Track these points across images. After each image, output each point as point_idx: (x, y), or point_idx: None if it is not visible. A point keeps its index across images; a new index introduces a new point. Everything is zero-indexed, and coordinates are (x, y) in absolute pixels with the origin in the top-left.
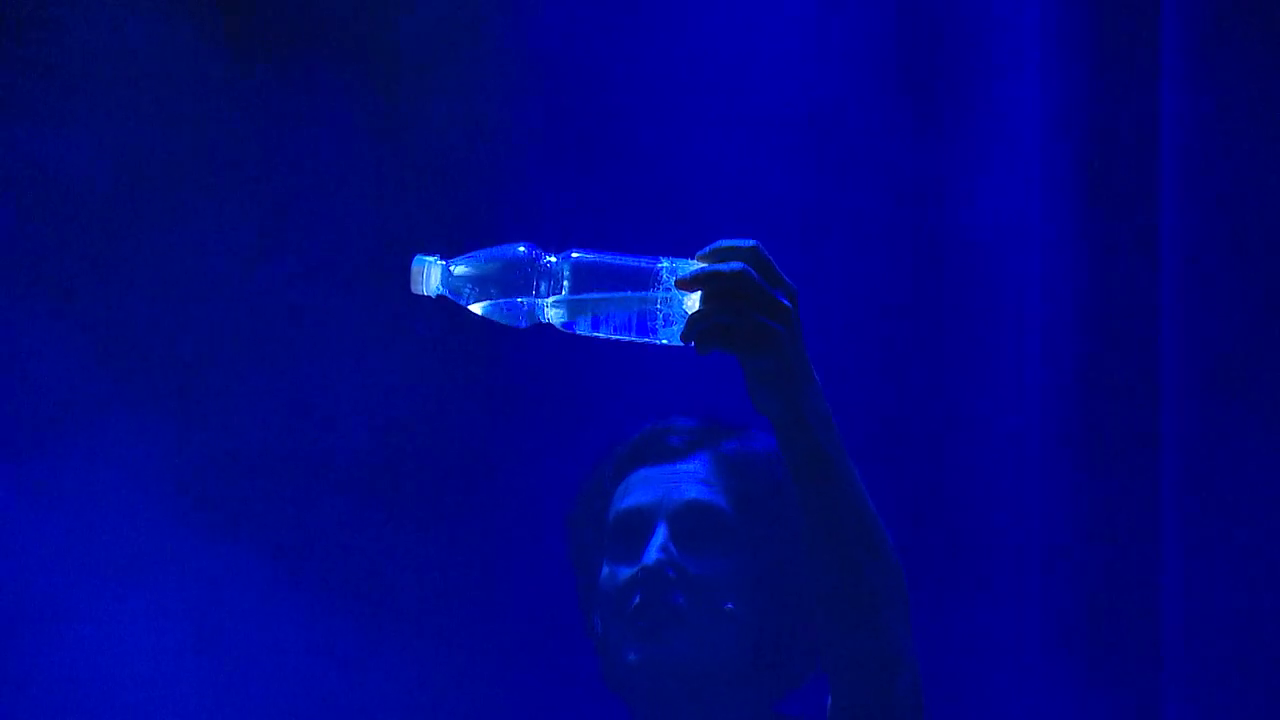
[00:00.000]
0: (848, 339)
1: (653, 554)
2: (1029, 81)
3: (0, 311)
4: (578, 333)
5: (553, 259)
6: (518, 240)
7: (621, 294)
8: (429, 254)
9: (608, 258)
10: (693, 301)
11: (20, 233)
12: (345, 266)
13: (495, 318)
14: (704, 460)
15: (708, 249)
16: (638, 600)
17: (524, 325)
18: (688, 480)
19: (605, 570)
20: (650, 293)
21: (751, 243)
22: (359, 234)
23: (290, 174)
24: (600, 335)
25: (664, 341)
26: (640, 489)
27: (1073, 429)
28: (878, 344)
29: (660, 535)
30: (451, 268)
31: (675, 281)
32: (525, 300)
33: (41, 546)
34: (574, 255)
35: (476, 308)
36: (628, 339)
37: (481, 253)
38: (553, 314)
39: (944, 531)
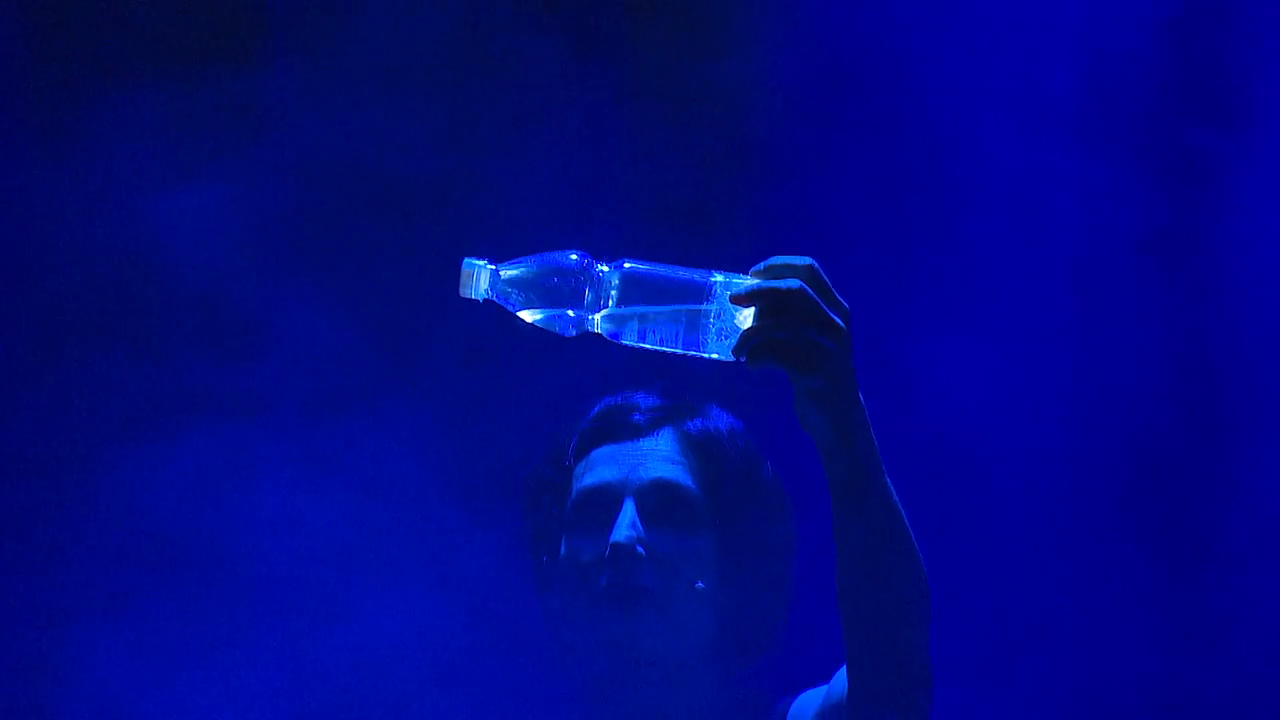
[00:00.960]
0: (1122, 344)
1: (622, 531)
2: None
3: (288, 290)
4: (623, 343)
5: (604, 268)
6: (570, 249)
7: (673, 306)
8: (478, 258)
9: (660, 269)
10: (745, 317)
11: (307, 213)
12: (632, 249)
13: (543, 325)
14: (669, 438)
15: (763, 265)
16: (607, 579)
17: (571, 334)
18: (653, 458)
19: (567, 546)
20: (703, 306)
21: (807, 260)
22: (654, 212)
23: (583, 155)
24: (646, 346)
25: (713, 355)
26: (605, 466)
27: None
28: (1153, 346)
29: (628, 512)
30: (501, 273)
31: (730, 296)
32: (574, 309)
33: (319, 528)
34: (625, 265)
35: (524, 314)
36: (674, 351)
37: (532, 259)
38: (601, 323)
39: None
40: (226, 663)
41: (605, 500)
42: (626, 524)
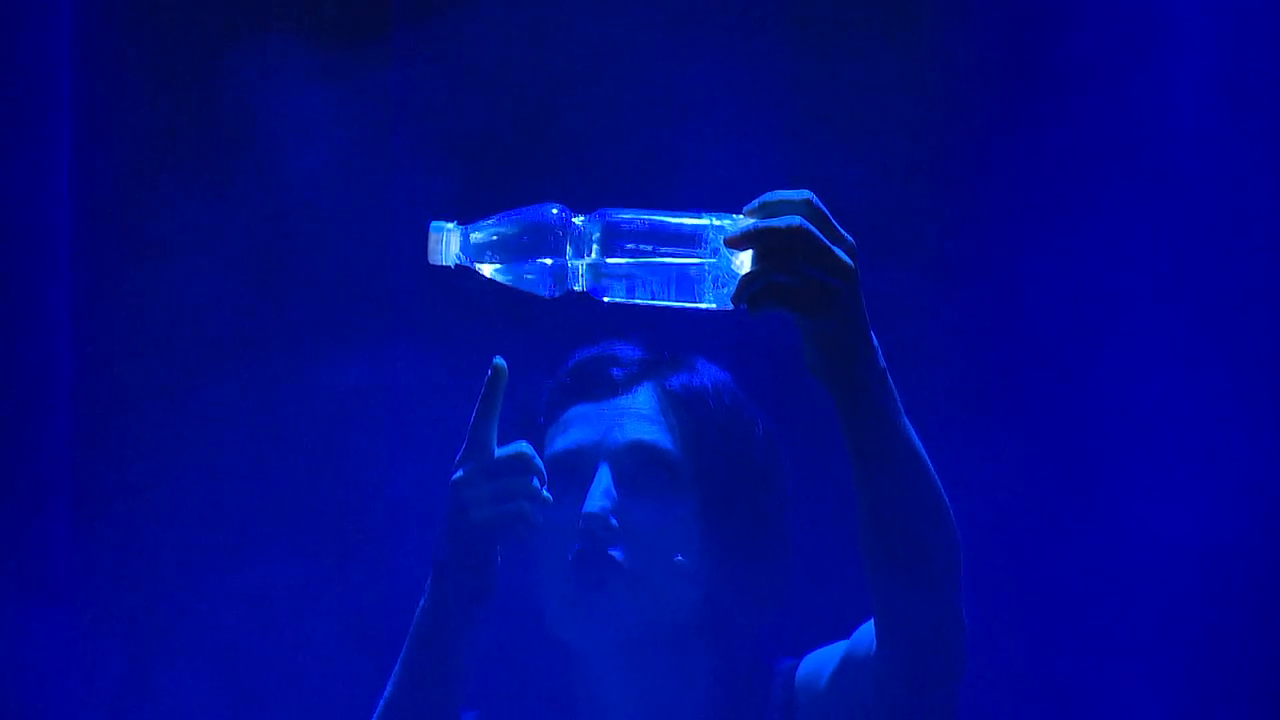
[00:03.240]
0: None
1: (594, 500)
2: None
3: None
4: (610, 299)
5: (580, 220)
6: (547, 201)
7: (663, 255)
8: (445, 220)
9: (645, 216)
10: (743, 260)
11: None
12: None
13: (520, 286)
14: (648, 395)
15: (757, 202)
16: (577, 552)
17: (551, 294)
18: (631, 418)
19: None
20: (695, 252)
21: (805, 194)
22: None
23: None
24: (637, 301)
25: (710, 305)
26: (578, 427)
27: None
28: None
29: (602, 479)
30: (471, 234)
31: (724, 240)
32: (553, 262)
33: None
34: (607, 215)
35: (499, 276)
36: (668, 304)
37: (504, 215)
38: (584, 280)
39: None
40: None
41: (578, 465)
42: (600, 492)
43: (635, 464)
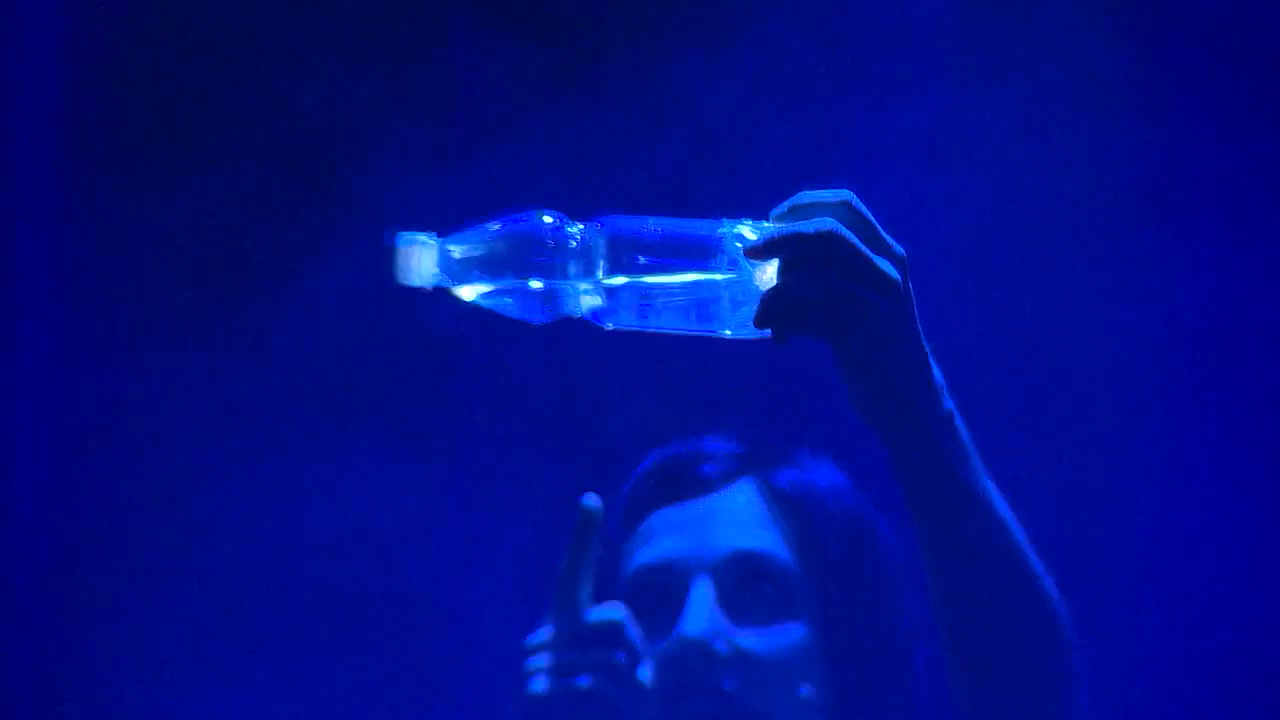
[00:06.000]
0: None
1: (693, 622)
2: None
3: None
4: (617, 327)
5: (576, 230)
6: (541, 208)
7: (675, 270)
8: (417, 231)
9: (654, 223)
10: (768, 274)
11: None
12: None
13: (506, 312)
14: (750, 494)
15: (785, 205)
16: (677, 688)
17: (543, 320)
18: (729, 522)
19: None
20: (710, 265)
21: (844, 194)
22: None
23: None
24: (650, 330)
25: (729, 334)
26: (665, 536)
27: None
28: None
29: (701, 598)
30: (450, 248)
31: (745, 250)
32: (544, 284)
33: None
34: (612, 222)
35: (480, 300)
36: (687, 333)
37: (488, 226)
38: (585, 303)
39: None
40: None
41: (669, 582)
42: (699, 613)
43: (740, 578)
